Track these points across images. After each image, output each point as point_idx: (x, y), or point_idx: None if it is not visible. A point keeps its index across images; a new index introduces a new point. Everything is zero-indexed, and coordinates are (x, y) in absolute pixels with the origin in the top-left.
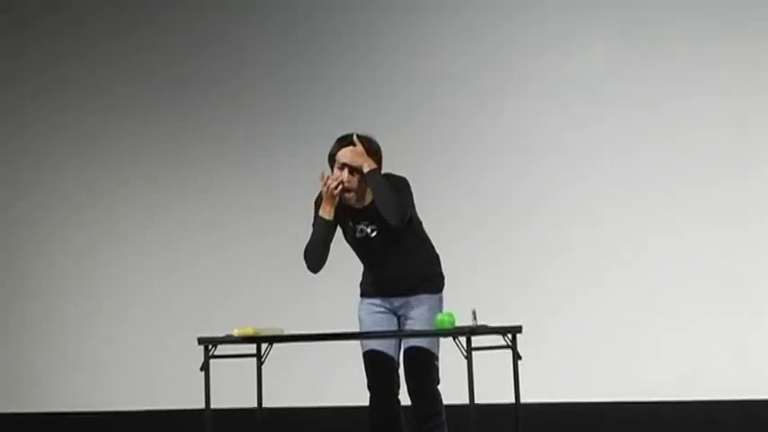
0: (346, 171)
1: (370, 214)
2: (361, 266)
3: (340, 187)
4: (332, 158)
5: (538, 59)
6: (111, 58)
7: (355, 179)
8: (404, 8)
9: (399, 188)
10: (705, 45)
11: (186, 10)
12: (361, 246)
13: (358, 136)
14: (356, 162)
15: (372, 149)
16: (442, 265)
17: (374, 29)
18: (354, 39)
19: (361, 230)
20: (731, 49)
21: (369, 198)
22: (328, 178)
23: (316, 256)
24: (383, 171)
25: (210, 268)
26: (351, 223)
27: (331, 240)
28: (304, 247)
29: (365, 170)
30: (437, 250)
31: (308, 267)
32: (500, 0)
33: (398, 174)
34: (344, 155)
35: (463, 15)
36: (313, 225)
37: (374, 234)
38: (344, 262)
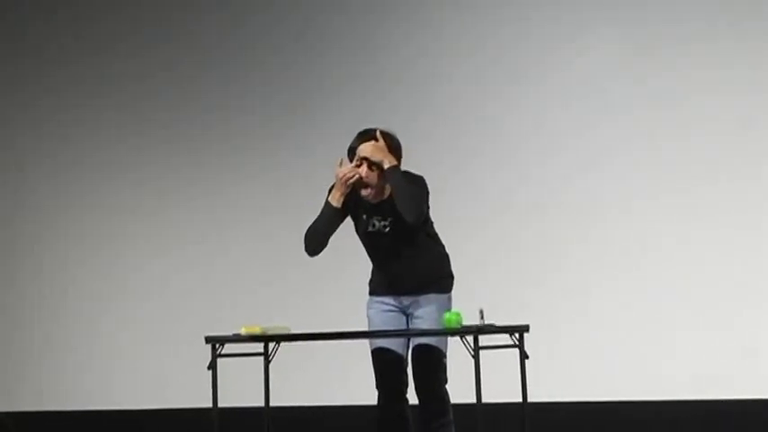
0: (365, 166)
1: (384, 209)
2: (370, 265)
3: (355, 177)
4: (352, 152)
5: (543, 60)
6: (115, 59)
7: (374, 174)
8: (408, 10)
9: (418, 186)
10: (707, 45)
11: (192, 11)
12: (371, 240)
13: (380, 131)
14: (377, 157)
15: (393, 146)
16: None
17: (380, 31)
18: (360, 40)
19: (374, 225)
20: (734, 49)
21: (385, 194)
22: (350, 170)
23: (316, 240)
24: (401, 169)
25: (218, 267)
26: (364, 217)
27: (335, 229)
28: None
29: (385, 166)
30: (446, 249)
31: (306, 249)
32: (506, 1)
33: (415, 173)
34: (365, 149)
35: (468, 17)
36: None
37: (387, 229)
38: (352, 260)
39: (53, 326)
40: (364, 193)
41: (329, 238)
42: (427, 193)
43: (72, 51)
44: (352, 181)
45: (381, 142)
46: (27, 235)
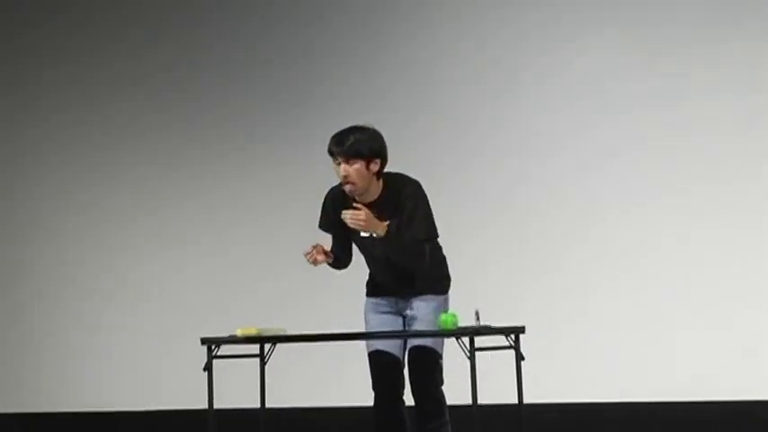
0: (344, 165)
1: (375, 213)
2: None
3: (320, 258)
4: (330, 154)
5: (542, 61)
6: (113, 59)
7: (354, 168)
8: (408, 10)
9: (416, 217)
10: (707, 45)
11: (192, 11)
12: (366, 246)
13: (358, 129)
14: (366, 231)
15: (375, 150)
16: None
17: (380, 31)
18: (359, 40)
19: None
20: (734, 49)
21: (375, 194)
22: (307, 254)
23: (337, 267)
24: (392, 169)
25: (214, 269)
26: None
27: (347, 252)
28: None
29: (375, 236)
30: (443, 251)
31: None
32: (505, 1)
33: (410, 176)
34: (347, 220)
35: (468, 17)
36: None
37: None
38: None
39: (52, 326)
40: (350, 188)
41: (349, 259)
42: (425, 206)
43: (72, 51)
44: (319, 261)
45: (362, 213)
46: (26, 234)
